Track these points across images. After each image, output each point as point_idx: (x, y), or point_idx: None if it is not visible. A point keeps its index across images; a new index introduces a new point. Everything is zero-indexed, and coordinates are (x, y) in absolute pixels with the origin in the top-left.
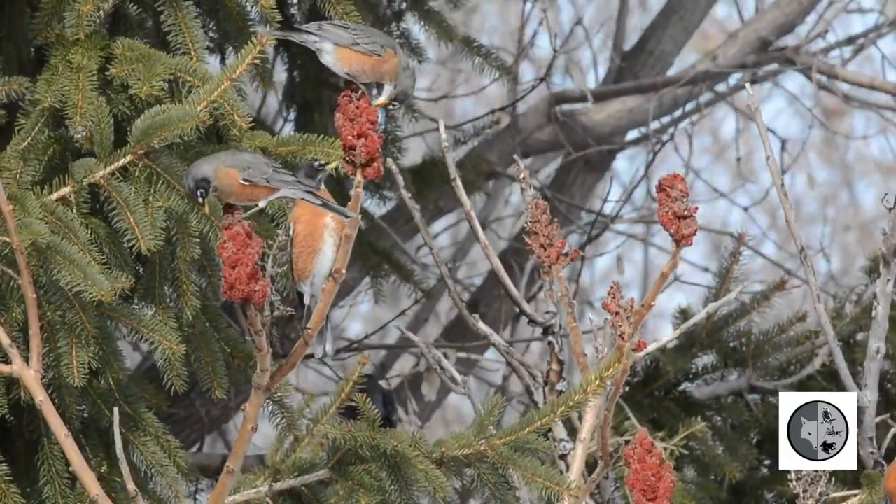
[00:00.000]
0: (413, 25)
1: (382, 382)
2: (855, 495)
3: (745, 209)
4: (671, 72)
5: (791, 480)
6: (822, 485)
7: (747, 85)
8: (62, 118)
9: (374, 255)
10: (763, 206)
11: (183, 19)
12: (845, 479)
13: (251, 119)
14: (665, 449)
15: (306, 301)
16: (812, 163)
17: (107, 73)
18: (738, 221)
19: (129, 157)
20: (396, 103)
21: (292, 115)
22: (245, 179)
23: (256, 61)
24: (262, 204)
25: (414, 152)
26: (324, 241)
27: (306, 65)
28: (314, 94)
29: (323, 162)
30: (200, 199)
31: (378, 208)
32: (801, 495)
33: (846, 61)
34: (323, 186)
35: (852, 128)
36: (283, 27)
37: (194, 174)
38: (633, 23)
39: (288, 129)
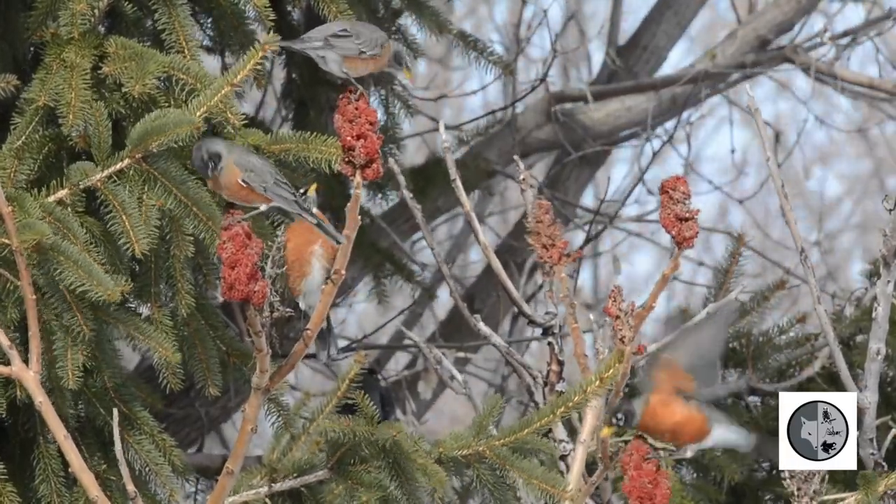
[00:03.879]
0: (411, 24)
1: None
2: (852, 496)
3: (741, 202)
4: (665, 66)
5: (785, 479)
6: (816, 482)
7: (747, 85)
8: (57, 117)
9: (376, 254)
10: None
11: (176, 17)
12: (845, 481)
13: (248, 117)
14: (665, 449)
15: (302, 308)
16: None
17: (99, 71)
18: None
19: (126, 161)
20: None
21: (291, 115)
22: (243, 181)
23: (258, 67)
24: (263, 207)
25: (418, 152)
26: (311, 265)
27: (303, 63)
28: (310, 92)
29: (304, 189)
30: (210, 172)
31: (379, 207)
32: (796, 493)
33: (837, 59)
34: (316, 209)
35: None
36: (281, 27)
37: (207, 147)
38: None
39: (287, 128)
